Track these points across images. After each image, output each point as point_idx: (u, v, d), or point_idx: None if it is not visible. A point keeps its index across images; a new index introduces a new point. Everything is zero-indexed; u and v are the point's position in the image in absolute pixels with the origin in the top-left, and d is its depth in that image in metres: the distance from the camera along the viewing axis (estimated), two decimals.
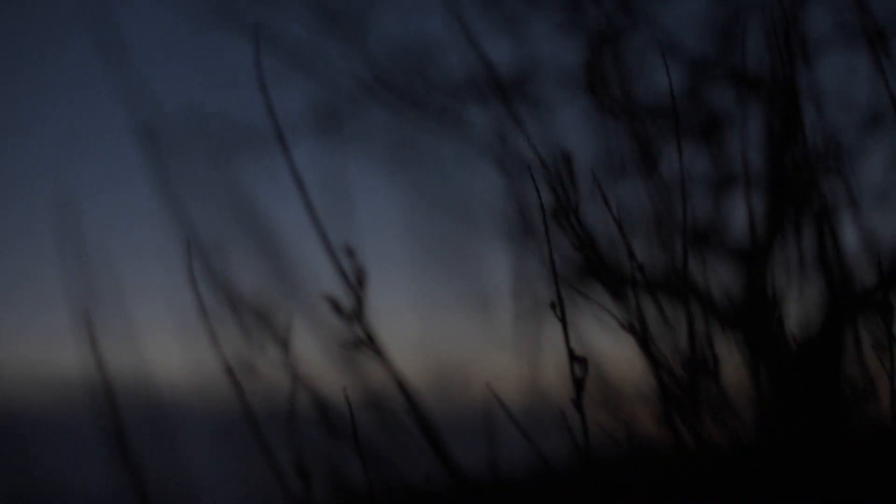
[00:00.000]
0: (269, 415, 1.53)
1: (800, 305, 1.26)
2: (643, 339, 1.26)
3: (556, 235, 1.36)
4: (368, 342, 1.35)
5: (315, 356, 1.75)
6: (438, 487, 1.35)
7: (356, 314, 1.35)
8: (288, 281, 1.86)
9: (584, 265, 1.38)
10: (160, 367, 1.75)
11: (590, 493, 1.21)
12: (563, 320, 1.24)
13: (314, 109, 1.39)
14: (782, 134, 1.28)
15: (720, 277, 1.27)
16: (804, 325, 1.29)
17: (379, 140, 1.98)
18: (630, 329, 1.28)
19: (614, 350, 1.36)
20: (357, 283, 1.36)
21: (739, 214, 1.25)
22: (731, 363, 1.28)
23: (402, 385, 1.35)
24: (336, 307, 1.36)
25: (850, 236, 1.22)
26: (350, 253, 1.35)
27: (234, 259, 1.76)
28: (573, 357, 1.30)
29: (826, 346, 1.22)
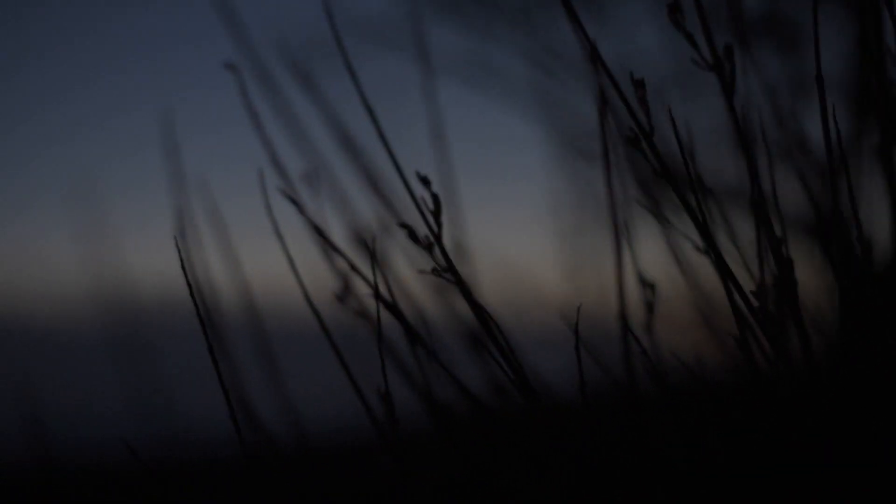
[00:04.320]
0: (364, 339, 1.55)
1: (882, 225, 1.21)
2: (718, 260, 1.23)
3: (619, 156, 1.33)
4: (444, 269, 1.35)
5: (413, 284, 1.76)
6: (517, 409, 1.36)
7: (433, 241, 1.36)
8: (388, 208, 1.86)
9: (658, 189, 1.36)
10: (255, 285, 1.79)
11: (663, 417, 1.20)
12: (631, 244, 1.22)
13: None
14: (863, 41, 1.21)
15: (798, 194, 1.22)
16: (886, 245, 1.24)
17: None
18: (705, 251, 1.25)
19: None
20: (433, 210, 1.36)
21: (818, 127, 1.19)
22: (813, 285, 1.24)
23: (479, 313, 1.35)
24: (412, 235, 1.37)
25: None
26: (425, 181, 1.35)
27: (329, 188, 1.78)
28: (643, 282, 1.28)
29: None
